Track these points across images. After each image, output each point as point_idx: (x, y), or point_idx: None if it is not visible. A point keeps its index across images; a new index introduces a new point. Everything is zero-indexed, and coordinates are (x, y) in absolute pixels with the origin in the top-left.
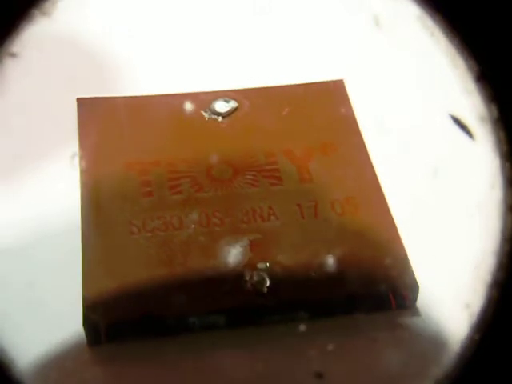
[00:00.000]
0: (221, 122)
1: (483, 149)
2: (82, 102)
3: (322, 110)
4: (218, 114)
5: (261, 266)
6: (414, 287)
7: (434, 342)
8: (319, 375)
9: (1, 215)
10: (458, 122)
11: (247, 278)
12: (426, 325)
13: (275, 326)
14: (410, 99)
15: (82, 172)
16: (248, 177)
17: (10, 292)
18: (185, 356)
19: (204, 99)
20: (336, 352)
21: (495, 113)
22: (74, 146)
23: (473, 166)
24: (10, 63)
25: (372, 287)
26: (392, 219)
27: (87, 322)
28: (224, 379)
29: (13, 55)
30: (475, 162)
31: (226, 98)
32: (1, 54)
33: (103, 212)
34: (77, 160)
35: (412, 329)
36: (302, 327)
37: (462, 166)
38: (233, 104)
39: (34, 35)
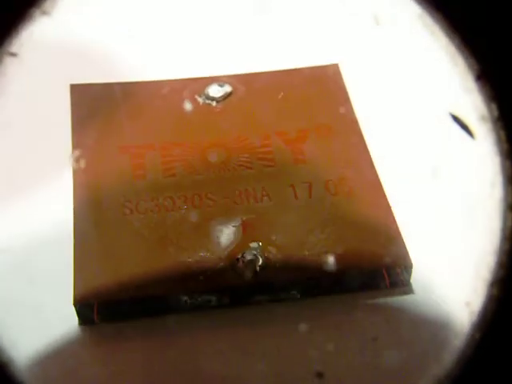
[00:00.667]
0: (215, 106)
1: (483, 147)
2: (74, 88)
3: (317, 93)
4: (212, 98)
5: (253, 245)
6: (407, 262)
7: (434, 340)
8: (320, 375)
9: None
10: (458, 120)
11: (239, 257)
12: (427, 323)
13: (276, 325)
14: (410, 98)
15: (75, 156)
16: (242, 159)
17: (6, 285)
18: (178, 336)
19: (198, 84)
20: (336, 351)
21: (495, 111)
22: None
23: (473, 164)
24: (9, 63)
25: (365, 263)
26: (386, 198)
27: (78, 300)
28: (218, 364)
29: (13, 55)
30: (475, 160)
31: (220, 83)
32: (1, 54)
33: (96, 194)
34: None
35: (412, 327)
36: (303, 327)
37: (462, 164)
38: (227, 88)
39: (34, 35)
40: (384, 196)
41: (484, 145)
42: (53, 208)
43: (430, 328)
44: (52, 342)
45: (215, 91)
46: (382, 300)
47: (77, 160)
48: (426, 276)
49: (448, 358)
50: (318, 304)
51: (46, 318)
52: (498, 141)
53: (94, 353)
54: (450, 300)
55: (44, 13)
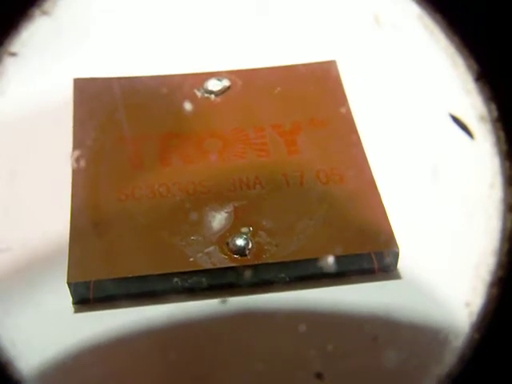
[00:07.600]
0: (213, 100)
1: (483, 148)
2: (78, 82)
3: (314, 89)
4: (211, 92)
5: (244, 229)
6: (394, 248)
7: (434, 341)
8: (319, 375)
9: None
10: (457, 121)
11: (229, 241)
12: (427, 323)
13: (273, 324)
14: (409, 97)
15: (75, 154)
16: (236, 150)
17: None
18: (175, 334)
19: (198, 79)
20: (335, 352)
21: (495, 112)
22: None
23: (472, 165)
24: (9, 62)
25: (354, 248)
26: (376, 187)
27: (71, 280)
28: (215, 364)
29: (13, 54)
30: (475, 161)
31: (219, 77)
32: (1, 53)
33: (94, 180)
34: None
35: (412, 327)
36: (302, 327)
37: (462, 165)
38: (225, 82)
39: (34, 34)
40: (374, 184)
41: (483, 145)
42: (52, 206)
43: (430, 328)
44: (48, 332)
45: (214, 85)
46: (381, 300)
47: (76, 158)
48: (424, 276)
49: (448, 358)
50: (316, 301)
51: (44, 317)
52: (498, 141)
53: (83, 336)
54: (449, 300)
55: (44, 12)
